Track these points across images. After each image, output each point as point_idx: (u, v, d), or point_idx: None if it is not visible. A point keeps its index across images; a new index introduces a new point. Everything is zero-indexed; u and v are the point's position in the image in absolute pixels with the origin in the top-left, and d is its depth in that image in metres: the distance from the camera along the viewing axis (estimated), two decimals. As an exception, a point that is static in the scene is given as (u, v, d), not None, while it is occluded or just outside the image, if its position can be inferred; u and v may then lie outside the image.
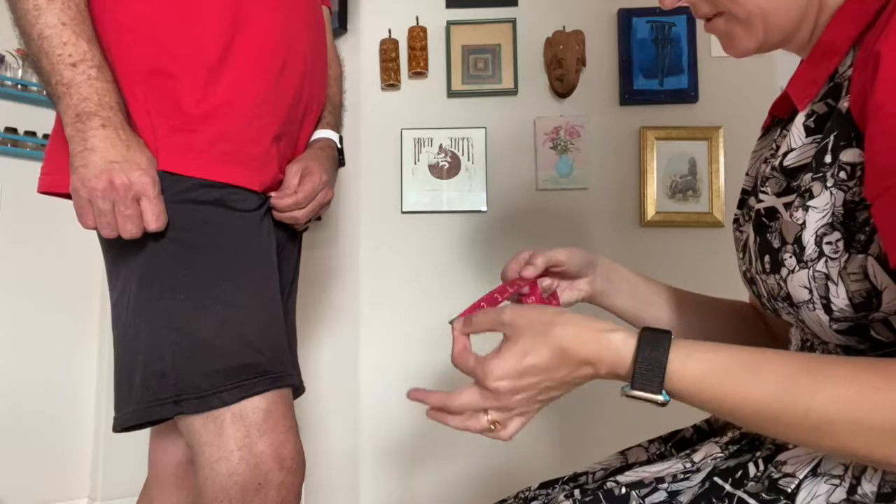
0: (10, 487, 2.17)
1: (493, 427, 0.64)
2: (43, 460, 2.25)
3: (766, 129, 0.76)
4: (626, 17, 1.84)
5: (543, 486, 0.78)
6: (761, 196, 0.67)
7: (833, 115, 0.57)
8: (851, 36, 0.58)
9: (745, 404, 0.52)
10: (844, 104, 0.56)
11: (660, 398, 0.54)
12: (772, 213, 0.65)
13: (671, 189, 1.80)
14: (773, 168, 0.65)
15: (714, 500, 0.59)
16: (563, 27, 1.82)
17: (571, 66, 1.78)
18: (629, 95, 1.83)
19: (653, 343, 0.55)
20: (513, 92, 1.86)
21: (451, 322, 0.68)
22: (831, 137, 0.56)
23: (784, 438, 0.53)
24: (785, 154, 0.63)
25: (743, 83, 1.81)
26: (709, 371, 0.53)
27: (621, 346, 0.57)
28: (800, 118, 0.62)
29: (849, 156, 0.54)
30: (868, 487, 0.53)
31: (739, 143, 1.78)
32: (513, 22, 1.86)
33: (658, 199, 1.80)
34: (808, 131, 0.61)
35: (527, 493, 0.78)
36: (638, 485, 0.63)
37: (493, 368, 0.60)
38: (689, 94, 1.81)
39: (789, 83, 0.65)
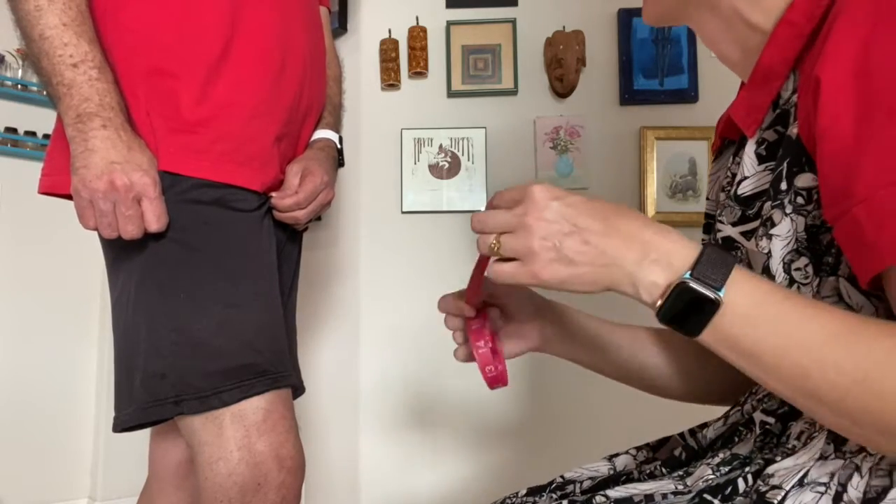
0: (10, 487, 2.17)
1: (493, 246, 0.55)
2: (43, 460, 2.25)
3: (719, 151, 0.76)
4: (626, 17, 1.84)
5: (531, 492, 0.78)
6: (719, 226, 0.67)
7: (784, 142, 0.58)
8: (789, 60, 0.57)
9: (801, 335, 0.46)
10: (794, 130, 0.55)
11: (717, 296, 0.47)
12: (729, 242, 0.65)
13: (671, 189, 1.80)
14: (728, 197, 0.66)
15: None
16: (563, 27, 1.82)
17: (571, 66, 1.78)
18: (629, 95, 1.83)
19: (718, 248, 0.50)
20: (513, 92, 1.86)
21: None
22: (784, 164, 0.56)
23: (816, 393, 0.47)
24: (739, 182, 0.64)
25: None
26: (773, 290, 0.49)
27: (684, 239, 0.50)
28: (750, 146, 0.63)
29: (803, 181, 0.54)
30: (854, 493, 0.52)
31: (739, 143, 1.78)
32: (513, 22, 1.86)
33: (658, 199, 1.80)
34: (760, 159, 0.62)
35: (514, 498, 0.77)
36: (627, 501, 0.63)
37: (537, 185, 0.53)
38: (689, 94, 1.81)
39: (732, 106, 0.66)
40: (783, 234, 0.56)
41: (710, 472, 0.66)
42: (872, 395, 0.44)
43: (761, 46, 0.61)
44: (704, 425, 0.73)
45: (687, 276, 0.48)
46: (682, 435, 0.77)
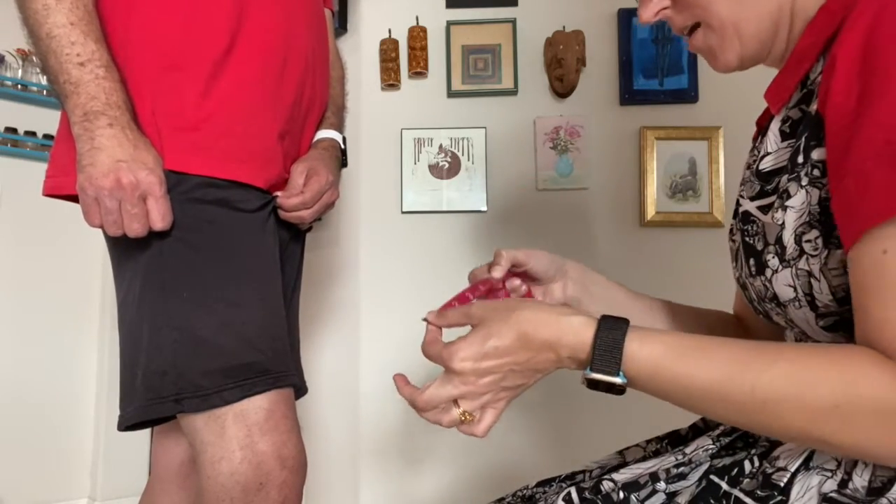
0: (10, 487, 2.17)
1: (464, 418, 0.63)
2: (43, 460, 2.25)
3: (755, 140, 0.78)
4: (626, 17, 1.84)
5: (541, 484, 0.78)
6: (740, 200, 0.69)
7: (805, 119, 0.59)
8: (819, 43, 0.60)
9: (697, 384, 0.53)
10: (814, 106, 0.57)
11: (618, 380, 0.55)
12: (746, 216, 0.66)
13: (671, 189, 1.81)
14: (751, 173, 0.67)
15: (711, 501, 0.59)
16: (563, 27, 1.83)
17: (571, 66, 1.78)
18: (629, 95, 1.83)
19: (611, 326, 0.56)
20: (513, 92, 1.87)
21: (424, 318, 0.70)
22: (802, 139, 0.58)
23: (733, 421, 0.54)
24: (761, 158, 0.65)
25: (743, 83, 1.80)
26: (665, 352, 0.55)
27: (581, 329, 0.57)
28: (775, 123, 0.64)
29: (819, 154, 0.56)
30: (859, 482, 0.54)
31: (739, 143, 1.79)
32: (513, 22, 1.86)
33: (658, 199, 1.81)
34: (784, 136, 0.63)
35: (525, 490, 0.79)
36: (634, 486, 0.63)
37: (458, 350, 0.61)
38: (689, 94, 1.82)
39: (766, 91, 0.67)
40: (797, 206, 0.58)
41: (710, 441, 0.66)
42: (774, 417, 0.51)
43: (797, 36, 0.63)
44: None
45: (588, 371, 0.56)
46: (692, 425, 0.78)
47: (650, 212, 1.80)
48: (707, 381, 0.53)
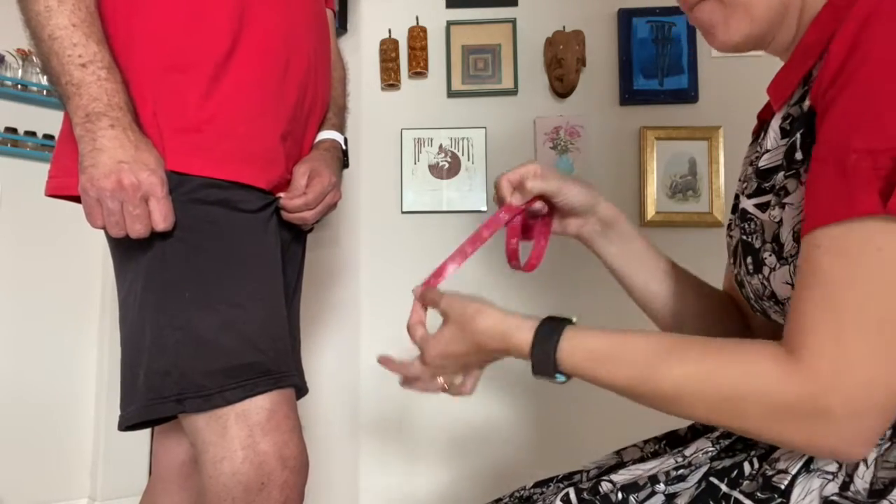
0: (10, 487, 2.17)
1: (446, 387, 0.78)
2: (43, 460, 2.25)
3: (756, 134, 0.77)
4: (626, 17, 1.84)
5: (538, 484, 0.79)
6: (740, 197, 0.69)
7: (802, 115, 0.59)
8: (823, 39, 0.59)
9: (617, 384, 0.61)
10: (807, 102, 0.58)
11: (556, 381, 0.65)
12: (744, 214, 0.66)
13: (671, 189, 1.81)
14: (752, 170, 0.67)
15: (711, 502, 0.59)
16: (563, 27, 1.83)
17: (571, 66, 1.78)
18: (629, 95, 1.83)
19: (544, 339, 0.64)
20: (513, 92, 1.87)
21: (414, 289, 0.80)
22: (798, 135, 0.58)
23: (655, 408, 0.60)
24: (761, 155, 0.65)
25: (743, 83, 1.81)
26: (586, 357, 0.62)
27: (522, 343, 0.66)
28: (776, 120, 0.64)
29: None
30: (860, 484, 0.53)
31: (739, 143, 1.78)
32: (513, 22, 1.86)
33: (658, 199, 1.81)
34: (783, 133, 0.63)
35: (522, 491, 0.79)
36: (633, 487, 0.63)
37: (428, 349, 0.74)
38: (689, 94, 1.82)
39: (769, 86, 0.66)
40: (796, 203, 0.58)
41: (709, 444, 0.66)
42: (682, 407, 0.57)
43: (805, 27, 0.63)
44: None
45: (532, 372, 0.65)
46: (691, 425, 0.78)
47: (650, 212, 1.80)
48: (623, 381, 0.60)
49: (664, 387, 0.57)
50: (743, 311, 0.85)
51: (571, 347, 0.63)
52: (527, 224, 0.83)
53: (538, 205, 0.80)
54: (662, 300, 0.85)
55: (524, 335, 0.66)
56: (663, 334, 0.64)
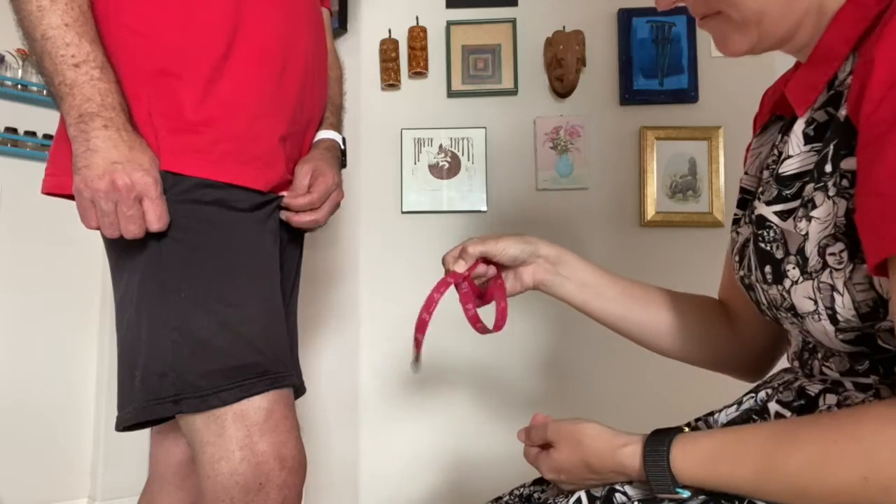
0: (10, 487, 2.17)
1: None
2: (43, 460, 2.25)
3: (765, 126, 0.75)
4: (626, 17, 1.84)
5: (537, 482, 0.78)
6: (756, 203, 0.67)
7: (833, 124, 0.57)
8: (850, 40, 0.57)
9: (742, 482, 0.55)
10: (843, 112, 0.55)
11: (681, 496, 0.59)
12: (761, 221, 0.65)
13: (671, 189, 1.81)
14: (771, 175, 0.65)
15: None
16: (563, 27, 1.83)
17: (571, 66, 1.78)
18: (629, 95, 1.83)
19: (654, 452, 0.60)
20: (513, 92, 1.86)
21: (411, 365, 0.84)
22: (831, 147, 0.56)
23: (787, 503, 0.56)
24: (782, 161, 0.63)
25: (743, 83, 1.81)
26: (705, 461, 0.58)
27: (631, 461, 0.62)
28: (799, 125, 0.62)
29: (849, 164, 0.54)
30: None
31: (739, 143, 1.78)
32: (513, 22, 1.86)
33: (658, 199, 1.80)
34: (808, 139, 0.61)
35: (521, 489, 0.78)
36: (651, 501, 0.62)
37: (545, 469, 0.72)
38: (689, 94, 1.81)
39: (788, 86, 0.64)
40: (822, 217, 0.56)
41: None
42: (815, 501, 0.52)
43: (824, 26, 0.60)
44: (715, 412, 0.73)
45: (652, 491, 0.60)
46: (693, 422, 0.77)
47: (650, 212, 1.80)
48: (747, 478, 0.55)
49: (792, 483, 0.52)
50: (730, 313, 0.84)
51: (684, 454, 0.59)
52: (482, 291, 0.86)
53: (482, 268, 0.84)
54: (636, 324, 0.85)
55: (632, 452, 0.62)
56: (768, 424, 0.59)
